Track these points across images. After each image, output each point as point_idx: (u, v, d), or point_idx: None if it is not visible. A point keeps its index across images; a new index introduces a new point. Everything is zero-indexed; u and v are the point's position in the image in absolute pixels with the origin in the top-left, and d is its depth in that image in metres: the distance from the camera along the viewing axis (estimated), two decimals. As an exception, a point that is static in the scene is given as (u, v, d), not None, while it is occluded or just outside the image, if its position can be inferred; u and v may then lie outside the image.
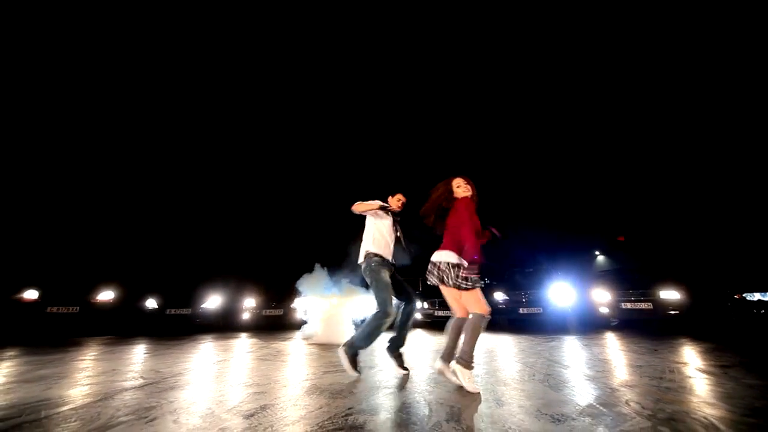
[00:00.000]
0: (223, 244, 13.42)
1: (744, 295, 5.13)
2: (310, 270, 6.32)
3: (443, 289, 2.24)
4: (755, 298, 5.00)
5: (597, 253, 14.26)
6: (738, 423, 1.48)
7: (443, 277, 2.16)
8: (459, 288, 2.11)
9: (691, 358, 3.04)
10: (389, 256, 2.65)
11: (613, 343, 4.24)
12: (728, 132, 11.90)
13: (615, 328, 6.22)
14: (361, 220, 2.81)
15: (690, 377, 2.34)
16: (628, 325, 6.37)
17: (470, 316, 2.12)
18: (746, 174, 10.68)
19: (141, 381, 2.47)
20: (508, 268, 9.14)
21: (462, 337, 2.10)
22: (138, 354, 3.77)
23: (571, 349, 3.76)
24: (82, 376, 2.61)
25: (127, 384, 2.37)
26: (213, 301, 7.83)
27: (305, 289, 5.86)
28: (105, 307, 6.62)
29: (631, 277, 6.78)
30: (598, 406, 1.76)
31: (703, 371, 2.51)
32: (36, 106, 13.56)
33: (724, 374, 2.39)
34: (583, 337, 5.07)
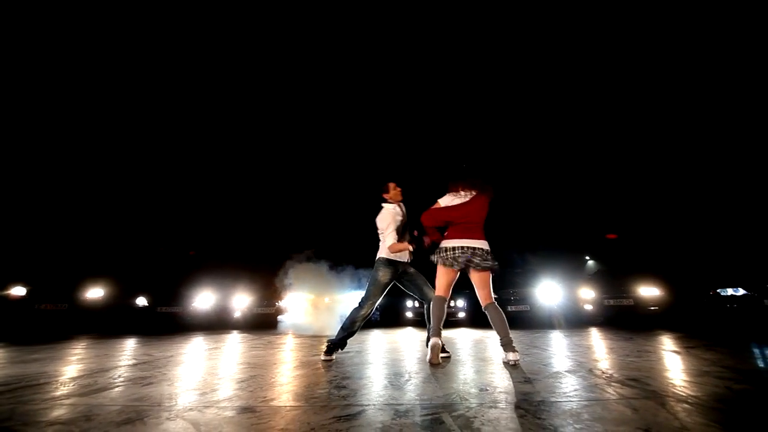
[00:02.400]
0: (215, 242, 13.35)
1: (718, 290, 5.40)
2: (303, 267, 6.43)
3: (478, 274, 2.29)
4: (728, 293, 5.27)
5: (587, 258, 14.61)
6: (687, 381, 1.65)
7: (489, 260, 2.29)
8: (493, 271, 2.32)
9: (660, 343, 3.23)
10: (402, 257, 2.64)
11: (593, 335, 4.43)
12: (703, 138, 12.45)
13: (599, 324, 6.41)
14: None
15: (655, 354, 2.52)
16: (611, 321, 6.56)
17: (493, 302, 2.31)
18: (723, 178, 11.17)
19: (134, 361, 2.55)
20: (498, 267, 9.29)
21: (498, 324, 2.24)
22: (128, 344, 3.81)
23: (552, 339, 3.93)
24: (76, 359, 2.67)
25: (121, 363, 2.45)
26: (204, 300, 7.82)
27: (295, 282, 5.96)
28: (94, 304, 6.57)
29: (614, 276, 7.04)
30: (564, 372, 1.92)
31: (669, 351, 2.69)
32: (22, 101, 13.46)
33: (687, 353, 2.57)
34: (567, 331, 5.25)
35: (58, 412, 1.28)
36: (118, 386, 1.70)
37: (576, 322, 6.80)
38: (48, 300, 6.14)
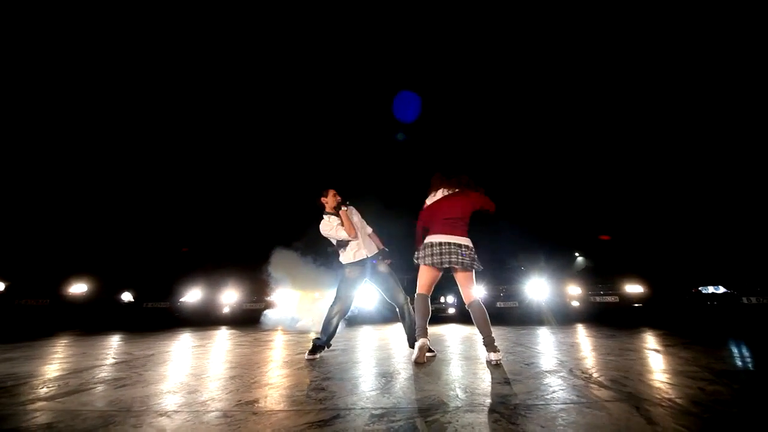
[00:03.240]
0: (203, 237, 13.15)
1: (700, 288, 5.54)
2: (291, 262, 6.38)
3: (463, 273, 2.25)
4: (709, 291, 5.41)
5: (576, 254, 14.87)
6: (662, 382, 1.68)
7: (474, 259, 2.27)
8: (475, 270, 2.29)
9: (641, 341, 3.29)
10: (363, 255, 2.65)
11: (578, 332, 4.50)
12: (687, 138, 12.68)
13: (584, 320, 6.54)
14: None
15: (635, 353, 2.56)
16: (597, 317, 6.70)
17: (477, 300, 2.28)
18: (706, 180, 11.41)
19: (113, 360, 2.49)
20: (488, 264, 9.39)
21: (480, 323, 2.25)
22: (111, 341, 3.73)
23: (538, 336, 3.98)
24: (52, 358, 2.60)
25: (99, 362, 2.39)
26: (192, 295, 7.72)
27: (283, 278, 5.93)
28: (77, 300, 6.43)
29: (600, 274, 7.19)
30: (545, 372, 1.93)
31: (649, 349, 2.75)
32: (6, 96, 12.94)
33: (665, 351, 2.63)
34: (554, 328, 5.33)
35: (16, 421, 1.23)
36: (90, 389, 1.65)
37: (563, 318, 6.92)
38: (29, 295, 5.98)
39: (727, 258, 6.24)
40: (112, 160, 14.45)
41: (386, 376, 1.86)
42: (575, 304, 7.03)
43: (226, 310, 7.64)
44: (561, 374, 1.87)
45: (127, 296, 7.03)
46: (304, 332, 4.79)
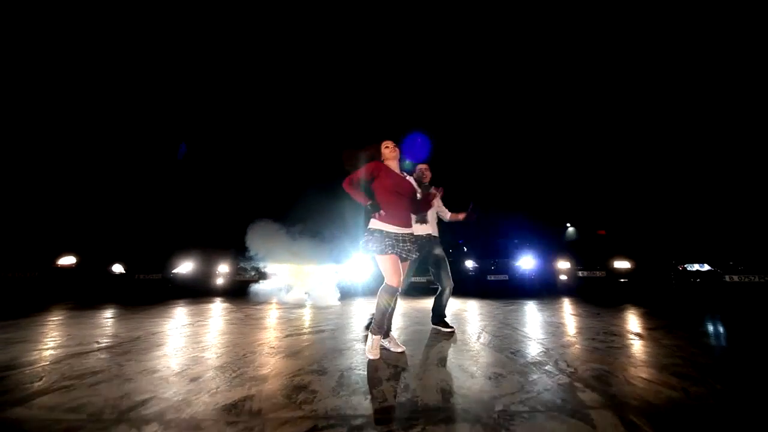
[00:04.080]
0: (194, 209, 12.95)
1: (685, 266, 5.66)
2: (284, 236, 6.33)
3: (404, 263, 2.20)
4: (694, 269, 5.53)
5: (568, 225, 15.10)
6: (646, 380, 1.68)
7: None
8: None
9: (624, 322, 3.37)
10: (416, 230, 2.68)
11: (564, 308, 4.62)
12: (679, 118, 12.32)
13: (571, 294, 6.74)
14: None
15: (619, 338, 2.61)
16: (583, 291, 6.91)
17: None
18: (696, 160, 11.28)
19: (95, 345, 2.45)
20: (480, 239, 9.47)
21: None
22: (101, 318, 3.72)
23: (525, 313, 4.07)
24: (34, 341, 2.55)
25: (80, 348, 2.34)
26: (185, 267, 7.72)
27: (276, 251, 5.92)
28: (67, 271, 6.37)
29: (589, 250, 7.29)
30: (530, 365, 1.93)
31: (631, 333, 2.80)
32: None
33: (648, 337, 2.68)
34: (541, 302, 5.47)
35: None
36: (62, 388, 1.59)
37: (551, 292, 7.14)
38: (17, 268, 5.89)
39: (713, 237, 6.33)
40: (103, 133, 13.68)
41: (378, 372, 1.84)
42: (563, 278, 7.21)
43: (219, 281, 7.71)
44: (546, 367, 1.87)
45: (118, 268, 6.99)
46: (295, 307, 4.84)
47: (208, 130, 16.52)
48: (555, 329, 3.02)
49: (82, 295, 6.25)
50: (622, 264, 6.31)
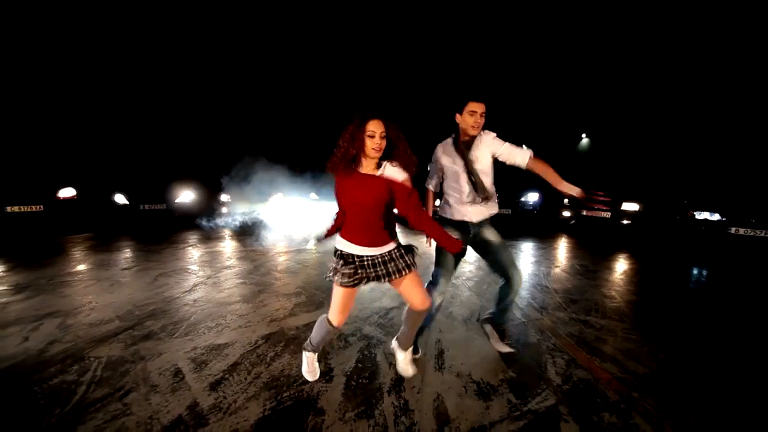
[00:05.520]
0: (198, 140, 12.17)
1: (694, 213, 5.53)
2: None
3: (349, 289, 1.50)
4: (702, 217, 5.42)
5: (583, 135, 14.18)
6: (606, 369, 1.79)
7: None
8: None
9: (610, 285, 3.49)
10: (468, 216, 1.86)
11: (557, 257, 4.74)
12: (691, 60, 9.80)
13: (572, 233, 6.85)
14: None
15: (595, 309, 2.71)
16: (584, 231, 7.00)
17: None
18: (713, 104, 9.56)
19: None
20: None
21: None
22: (119, 258, 3.87)
23: (522, 258, 4.19)
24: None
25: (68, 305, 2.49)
26: (186, 196, 7.72)
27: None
28: (70, 203, 6.39)
29: (596, 190, 7.03)
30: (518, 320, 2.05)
31: (611, 304, 2.91)
32: None
33: (623, 313, 2.79)
34: (541, 242, 5.62)
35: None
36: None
37: (552, 229, 7.25)
38: (21, 201, 5.86)
39: (727, 185, 5.99)
40: (103, 60, 11.47)
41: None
42: (566, 214, 7.21)
43: (224, 210, 7.81)
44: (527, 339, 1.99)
45: (121, 198, 6.99)
46: (303, 251, 4.94)
47: (208, 62, 14.06)
48: (540, 291, 3.12)
49: (92, 227, 6.42)
50: (630, 206, 6.17)
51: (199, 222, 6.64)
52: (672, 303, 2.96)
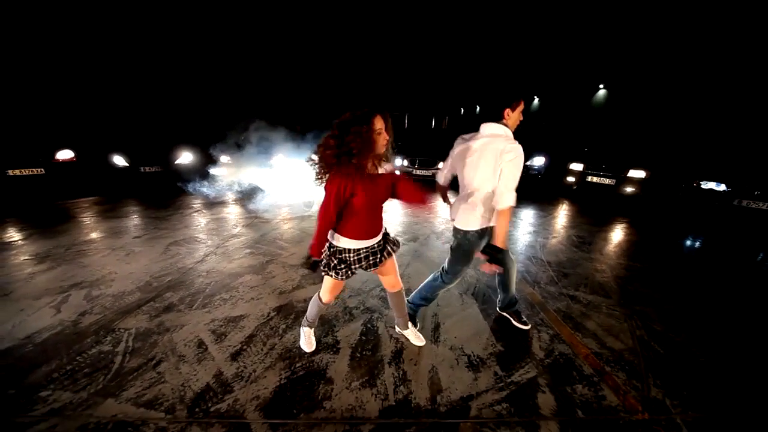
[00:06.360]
0: (194, 102, 11.51)
1: (700, 182, 5.45)
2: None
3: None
4: (708, 187, 5.36)
5: (600, 86, 13.35)
6: (585, 344, 2.00)
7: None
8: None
9: (602, 261, 3.63)
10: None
11: (560, 224, 4.83)
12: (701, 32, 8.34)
13: (575, 199, 6.85)
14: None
15: (588, 286, 2.88)
16: (586, 198, 6.98)
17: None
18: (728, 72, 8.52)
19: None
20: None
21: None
22: (129, 225, 4.00)
23: (521, 227, 4.30)
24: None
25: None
26: (185, 157, 7.62)
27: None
28: (69, 165, 6.34)
29: (605, 156, 6.85)
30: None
31: (601, 280, 3.07)
32: None
33: (610, 292, 2.95)
34: (542, 210, 5.68)
35: None
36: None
37: (555, 194, 7.21)
38: (21, 165, 5.82)
39: (734, 155, 5.79)
40: (101, 26, 10.14)
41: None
42: (571, 180, 7.12)
43: (224, 171, 7.71)
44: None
45: (120, 160, 6.90)
46: (307, 218, 4.98)
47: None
48: (528, 263, 3.27)
49: (103, 190, 6.47)
50: (637, 173, 6.07)
51: (199, 187, 6.66)
52: (660, 278, 3.11)
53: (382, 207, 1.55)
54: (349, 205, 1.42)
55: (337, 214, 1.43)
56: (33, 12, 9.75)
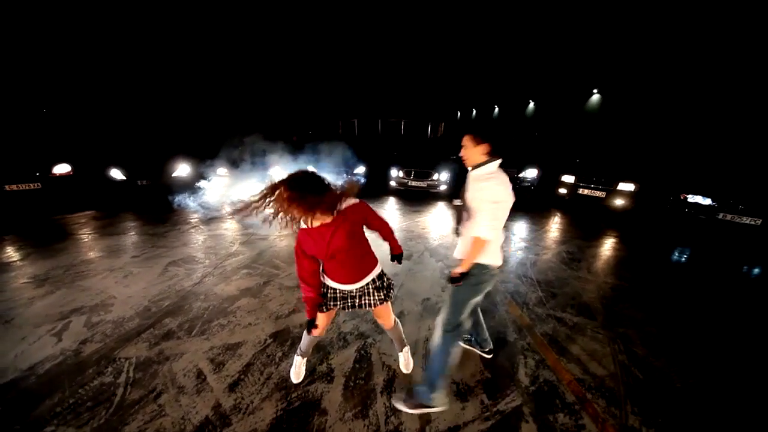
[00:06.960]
0: (189, 114, 11.58)
1: (687, 196, 5.61)
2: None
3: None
4: (695, 200, 5.52)
5: (594, 91, 13.62)
6: (570, 370, 2.10)
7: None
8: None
9: (592, 279, 3.74)
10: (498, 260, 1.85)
11: (551, 240, 4.94)
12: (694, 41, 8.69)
13: (565, 209, 7.00)
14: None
15: (588, 305, 2.99)
16: (577, 210, 7.12)
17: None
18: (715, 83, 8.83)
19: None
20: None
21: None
22: (126, 244, 4.05)
23: (513, 243, 4.40)
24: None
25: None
26: (182, 170, 7.68)
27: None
28: (66, 180, 6.38)
29: (595, 168, 7.02)
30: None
31: (588, 296, 3.18)
32: None
33: (596, 311, 3.06)
34: (535, 223, 5.80)
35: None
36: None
37: (547, 206, 7.35)
38: (18, 180, 5.84)
39: (720, 170, 5.99)
40: (98, 39, 10.23)
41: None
42: (562, 191, 7.27)
43: (219, 181, 7.76)
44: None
45: (117, 173, 6.94)
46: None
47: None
48: (522, 278, 3.37)
49: (99, 204, 6.49)
50: (626, 186, 6.22)
51: (196, 200, 6.72)
52: (645, 298, 3.23)
53: (357, 253, 1.53)
54: (314, 256, 1.51)
55: (311, 265, 1.54)
56: (31, 26, 9.81)
